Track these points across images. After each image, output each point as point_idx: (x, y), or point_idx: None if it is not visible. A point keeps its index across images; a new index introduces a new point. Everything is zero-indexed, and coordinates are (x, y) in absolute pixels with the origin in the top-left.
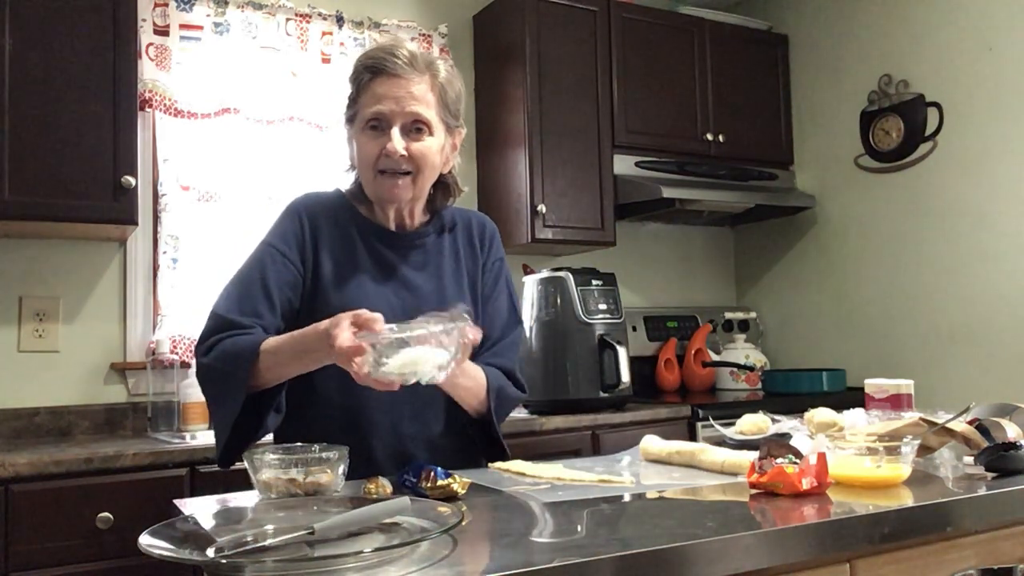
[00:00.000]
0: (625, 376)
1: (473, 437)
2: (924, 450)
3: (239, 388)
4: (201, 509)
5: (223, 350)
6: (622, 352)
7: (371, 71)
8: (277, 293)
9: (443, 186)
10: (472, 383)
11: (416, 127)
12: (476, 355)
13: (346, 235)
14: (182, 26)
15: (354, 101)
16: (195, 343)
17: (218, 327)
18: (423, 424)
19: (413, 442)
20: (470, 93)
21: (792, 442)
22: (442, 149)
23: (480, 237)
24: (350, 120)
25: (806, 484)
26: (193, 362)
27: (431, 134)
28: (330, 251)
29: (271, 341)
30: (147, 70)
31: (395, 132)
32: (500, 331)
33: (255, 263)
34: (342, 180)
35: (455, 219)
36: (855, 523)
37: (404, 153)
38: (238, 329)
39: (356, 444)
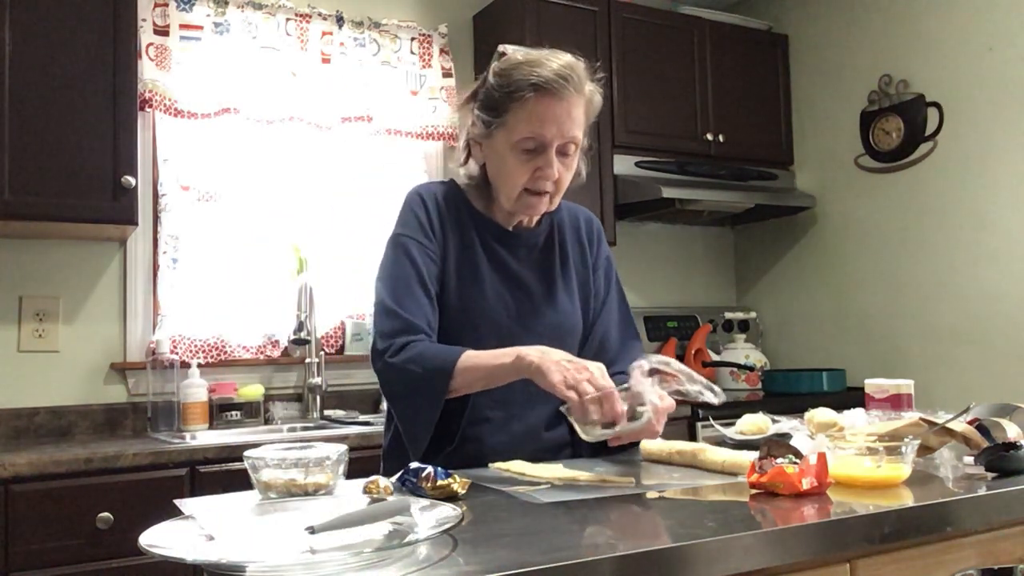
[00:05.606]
0: None
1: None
2: (924, 450)
3: (439, 398)
4: (201, 509)
5: (420, 355)
6: None
7: (535, 88)
8: (432, 288)
9: None
10: None
11: (568, 149)
12: (600, 357)
13: (465, 230)
14: (182, 26)
15: (504, 111)
16: (375, 342)
17: (401, 328)
18: (533, 419)
19: (522, 438)
20: None
21: (792, 442)
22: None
23: (588, 234)
24: (491, 125)
25: (806, 484)
26: (379, 361)
27: (577, 152)
28: (453, 245)
29: (467, 360)
30: (147, 70)
31: (552, 156)
32: (618, 332)
33: (403, 257)
34: (340, 180)
35: (563, 216)
36: (855, 523)
37: (557, 176)
38: (419, 333)
39: (471, 434)
